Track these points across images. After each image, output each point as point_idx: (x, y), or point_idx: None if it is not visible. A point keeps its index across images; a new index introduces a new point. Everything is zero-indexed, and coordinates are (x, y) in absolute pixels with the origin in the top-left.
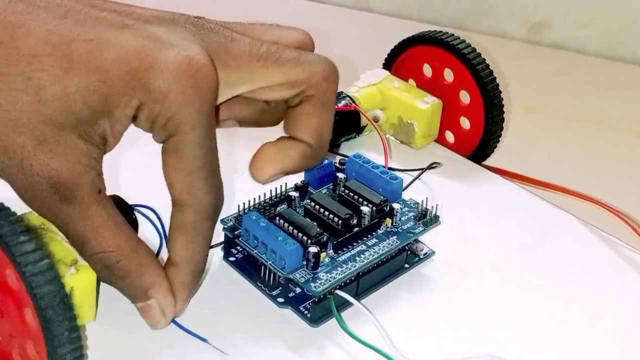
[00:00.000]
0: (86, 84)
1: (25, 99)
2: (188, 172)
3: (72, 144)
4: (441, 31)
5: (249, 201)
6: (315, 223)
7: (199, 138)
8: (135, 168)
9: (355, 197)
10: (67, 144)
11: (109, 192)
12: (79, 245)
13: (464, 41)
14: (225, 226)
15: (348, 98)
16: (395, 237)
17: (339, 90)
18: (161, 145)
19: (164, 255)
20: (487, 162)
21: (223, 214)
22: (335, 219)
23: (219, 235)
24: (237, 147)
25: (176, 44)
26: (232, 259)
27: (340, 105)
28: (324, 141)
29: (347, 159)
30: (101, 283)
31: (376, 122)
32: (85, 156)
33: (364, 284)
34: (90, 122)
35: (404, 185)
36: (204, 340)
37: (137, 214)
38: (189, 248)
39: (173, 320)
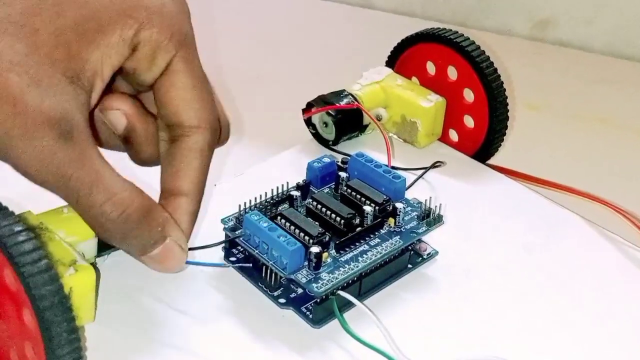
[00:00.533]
0: (80, 15)
1: (20, 43)
2: (200, 88)
3: (63, 85)
4: (445, 28)
5: (250, 201)
6: (317, 223)
7: (197, 51)
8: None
9: (358, 196)
10: (59, 85)
11: None
12: (86, 192)
13: (468, 38)
14: (226, 226)
15: (350, 96)
16: (398, 237)
17: (341, 88)
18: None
19: None
20: (491, 161)
21: (224, 214)
22: (338, 218)
23: (219, 235)
24: (239, 148)
25: None
26: (232, 259)
27: (342, 103)
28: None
29: (349, 157)
30: (100, 284)
31: (379, 120)
32: (74, 99)
33: (367, 284)
34: (83, 56)
35: (407, 184)
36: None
37: None
38: (202, 172)
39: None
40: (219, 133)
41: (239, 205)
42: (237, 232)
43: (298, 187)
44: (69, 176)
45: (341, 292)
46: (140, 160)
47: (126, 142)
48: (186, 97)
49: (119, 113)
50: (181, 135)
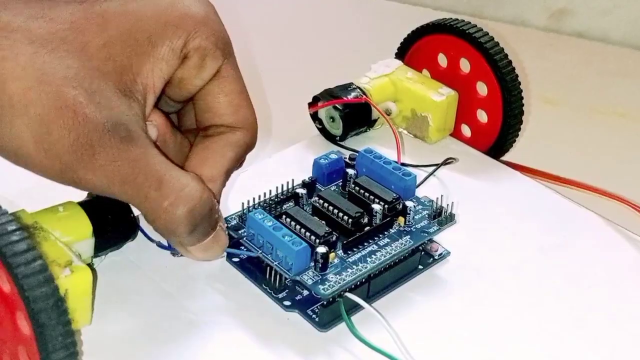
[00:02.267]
0: (126, 27)
1: (71, 58)
2: (246, 93)
3: (116, 98)
4: (457, 19)
5: (254, 199)
6: (323, 222)
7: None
8: None
9: (366, 194)
10: (113, 97)
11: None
12: (153, 192)
13: (481, 29)
14: (229, 225)
15: (358, 90)
16: (409, 236)
17: (349, 81)
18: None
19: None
20: (505, 158)
21: (226, 213)
22: (345, 217)
23: None
24: None
25: None
26: (235, 259)
27: (350, 97)
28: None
29: (357, 154)
30: (96, 287)
31: (388, 115)
32: (131, 108)
33: (376, 286)
34: (134, 69)
35: (418, 181)
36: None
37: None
38: (231, 164)
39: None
40: (256, 135)
41: (242, 204)
42: (240, 232)
43: (304, 184)
44: (134, 176)
45: (349, 294)
46: None
47: None
48: (235, 102)
49: (151, 125)
50: (222, 132)
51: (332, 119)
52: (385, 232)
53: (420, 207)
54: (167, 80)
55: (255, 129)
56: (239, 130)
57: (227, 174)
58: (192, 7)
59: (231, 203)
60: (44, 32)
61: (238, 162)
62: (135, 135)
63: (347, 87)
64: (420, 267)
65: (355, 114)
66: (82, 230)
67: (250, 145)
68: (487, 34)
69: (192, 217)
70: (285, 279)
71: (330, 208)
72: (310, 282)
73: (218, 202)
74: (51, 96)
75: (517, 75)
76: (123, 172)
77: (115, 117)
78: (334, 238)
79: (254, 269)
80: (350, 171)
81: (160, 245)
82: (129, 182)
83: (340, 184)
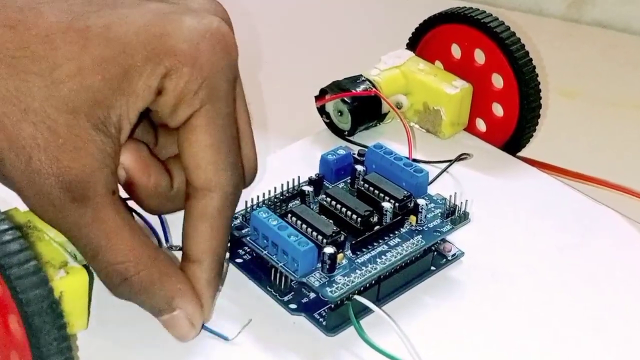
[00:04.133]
0: (104, 55)
1: (37, 82)
2: (217, 148)
3: (85, 135)
4: (471, 8)
5: (258, 197)
6: (331, 221)
7: (229, 107)
8: None
9: (376, 192)
10: (81, 135)
11: None
12: (92, 255)
13: (497, 19)
14: (232, 224)
15: (368, 82)
16: (420, 236)
17: (358, 73)
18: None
19: None
20: (521, 153)
21: None
22: (354, 216)
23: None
24: None
25: (197, 11)
26: (239, 260)
27: (359, 90)
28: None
29: (366, 149)
30: (93, 287)
31: (399, 108)
32: (100, 151)
33: (386, 288)
34: (106, 103)
35: (430, 178)
36: (226, 338)
37: (135, 216)
38: (214, 239)
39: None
40: (234, 200)
41: (246, 202)
42: (243, 231)
43: (310, 181)
44: (77, 238)
45: (357, 297)
46: (147, 210)
47: (129, 193)
48: (199, 157)
49: (120, 167)
50: (192, 197)
51: (340, 112)
52: (396, 232)
53: (432, 205)
54: (143, 110)
55: (229, 190)
56: (206, 195)
57: (213, 253)
58: (181, 43)
59: None
60: (13, 45)
61: (220, 235)
62: (91, 193)
63: (356, 80)
64: (432, 268)
65: (365, 107)
66: None
67: (223, 211)
68: (503, 23)
69: (126, 289)
70: (291, 281)
71: (338, 206)
72: (317, 284)
73: (211, 285)
74: (7, 133)
75: (534, 67)
76: (67, 231)
77: (75, 169)
78: (342, 238)
79: (258, 270)
80: (359, 167)
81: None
82: (73, 241)
83: (349, 181)
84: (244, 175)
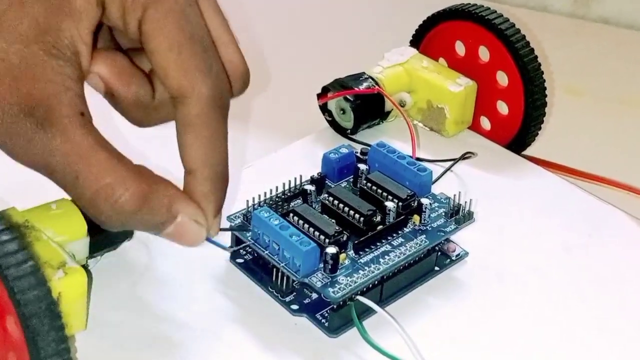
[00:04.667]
0: None
1: None
2: (177, 51)
3: (40, 62)
4: (476, 4)
5: (259, 196)
6: (333, 220)
7: (178, 3)
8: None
9: (379, 191)
10: (35, 62)
11: None
12: (71, 183)
13: (502, 15)
14: (233, 224)
15: (371, 80)
16: (424, 236)
17: (360, 70)
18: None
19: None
20: (527, 152)
21: (230, 211)
22: (357, 215)
23: (225, 235)
24: (246, 137)
25: None
26: (239, 260)
27: (362, 87)
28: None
29: (369, 148)
30: (91, 290)
31: (402, 106)
32: (58, 75)
33: (389, 289)
34: (53, 27)
35: (434, 177)
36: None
37: None
38: (202, 148)
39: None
40: (218, 103)
41: (247, 201)
42: (244, 231)
43: (312, 180)
44: (53, 165)
45: (360, 298)
46: (132, 122)
47: (113, 105)
48: (164, 63)
49: (95, 76)
50: (174, 107)
51: (343, 110)
52: (400, 232)
53: (436, 204)
54: (95, 28)
55: (207, 94)
56: (184, 101)
57: (206, 163)
58: None
59: (235, 201)
60: None
61: (209, 144)
62: (56, 116)
63: (358, 77)
64: (436, 268)
65: (367, 105)
66: (76, 229)
67: (207, 119)
68: (508, 20)
69: (117, 213)
70: (293, 281)
71: (341, 206)
72: (319, 284)
73: (210, 196)
74: None
75: (539, 65)
76: (41, 162)
77: (36, 94)
78: (345, 238)
79: (260, 270)
80: (362, 166)
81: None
82: (49, 172)
83: (351, 180)
84: (227, 79)
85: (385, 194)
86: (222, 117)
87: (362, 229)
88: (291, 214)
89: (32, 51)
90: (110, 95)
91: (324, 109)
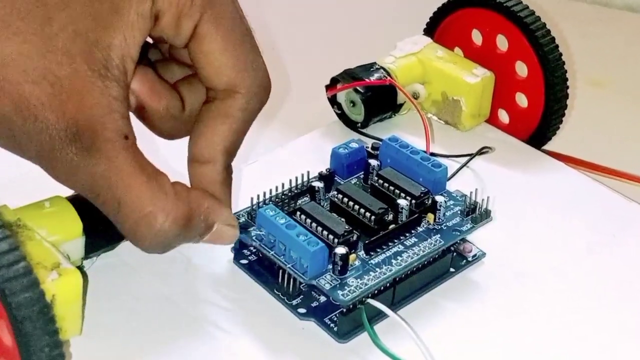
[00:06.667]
0: None
1: (33, 40)
2: (232, 50)
3: (87, 84)
4: None
5: (264, 193)
6: (343, 219)
7: (231, 5)
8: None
9: (391, 188)
10: (83, 84)
11: None
12: (114, 210)
13: (521, 2)
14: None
15: (382, 70)
16: (439, 236)
17: (371, 60)
18: (188, 48)
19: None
20: (547, 147)
21: (233, 209)
22: (367, 214)
23: None
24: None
25: None
26: (244, 261)
27: (373, 78)
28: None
29: (381, 142)
30: (87, 292)
31: (416, 99)
32: (104, 96)
33: (401, 291)
34: (104, 44)
35: (449, 174)
36: None
37: None
38: (231, 139)
39: None
40: (263, 97)
41: (252, 199)
42: (249, 230)
43: (321, 177)
44: (97, 191)
45: (371, 301)
46: (161, 135)
47: (142, 119)
48: (217, 63)
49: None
50: (214, 99)
51: (353, 103)
52: (413, 231)
53: (451, 202)
54: (143, 42)
55: (254, 91)
56: (228, 97)
57: (228, 153)
58: None
59: (239, 198)
60: (3, 9)
61: (237, 136)
62: (100, 142)
63: (369, 68)
64: (451, 270)
65: (379, 97)
66: (71, 228)
67: (247, 112)
68: (528, 7)
69: (162, 238)
70: (300, 283)
71: (351, 204)
72: (328, 286)
73: (225, 185)
74: (10, 98)
75: (560, 54)
76: (86, 187)
77: (80, 122)
78: (355, 237)
79: (265, 272)
80: (373, 162)
81: None
82: (93, 198)
83: (362, 176)
84: (268, 76)
85: (397, 191)
86: (259, 112)
87: (373, 228)
88: (298, 213)
89: (81, 72)
90: (141, 110)
91: (332, 101)
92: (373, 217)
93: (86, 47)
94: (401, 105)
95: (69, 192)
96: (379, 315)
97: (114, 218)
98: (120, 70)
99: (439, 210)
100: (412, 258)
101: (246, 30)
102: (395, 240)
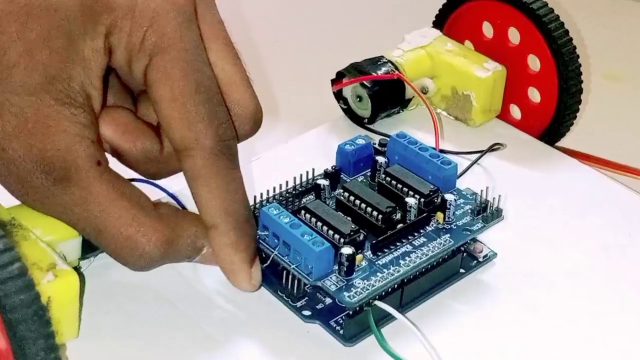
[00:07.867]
0: (47, 27)
1: None
2: (181, 101)
3: (53, 113)
4: None
5: (268, 191)
6: (349, 218)
7: (186, 51)
8: None
9: (399, 186)
10: (48, 113)
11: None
12: (95, 236)
13: None
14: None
15: (390, 64)
16: (448, 235)
17: (379, 54)
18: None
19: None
20: (561, 143)
21: None
22: (375, 213)
23: None
24: None
25: None
26: None
27: (380, 72)
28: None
29: (388, 139)
30: (84, 294)
31: (425, 93)
32: (72, 123)
33: (410, 293)
34: (63, 76)
35: (459, 171)
36: None
37: None
38: (217, 197)
39: None
40: (224, 145)
41: (255, 197)
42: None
43: (326, 174)
44: (74, 220)
45: (378, 303)
46: (143, 175)
47: (119, 161)
48: (167, 115)
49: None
50: (180, 160)
51: (360, 98)
52: (421, 230)
53: (462, 200)
54: (104, 72)
55: (210, 145)
56: (187, 154)
57: (227, 214)
58: None
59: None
60: None
61: (221, 192)
62: (71, 172)
63: (376, 61)
64: (461, 271)
65: (386, 92)
66: (67, 228)
67: (212, 169)
68: None
69: (144, 263)
70: (305, 284)
71: (357, 202)
72: (333, 288)
73: (233, 248)
74: None
75: (574, 47)
76: (61, 216)
77: (50, 150)
78: (362, 237)
79: (268, 273)
80: (381, 159)
81: None
82: (71, 224)
83: (369, 174)
84: (232, 125)
85: (405, 189)
86: (230, 163)
87: (381, 227)
88: (303, 211)
89: (44, 102)
90: (117, 154)
91: (338, 96)
92: (380, 216)
93: (48, 80)
94: (409, 100)
95: None
96: (386, 318)
97: (96, 243)
98: (83, 97)
99: (449, 209)
100: (420, 258)
101: (203, 78)
102: (404, 240)
